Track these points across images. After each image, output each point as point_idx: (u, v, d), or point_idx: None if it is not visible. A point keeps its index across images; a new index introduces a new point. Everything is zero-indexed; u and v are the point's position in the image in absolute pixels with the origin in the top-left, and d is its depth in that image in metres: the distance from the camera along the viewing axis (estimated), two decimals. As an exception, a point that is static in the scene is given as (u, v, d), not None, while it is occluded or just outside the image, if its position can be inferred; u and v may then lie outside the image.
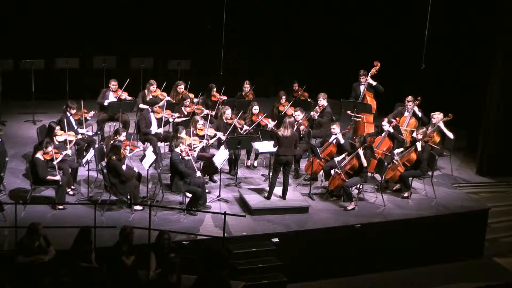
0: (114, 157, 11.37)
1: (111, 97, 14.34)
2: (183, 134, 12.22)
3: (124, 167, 11.60)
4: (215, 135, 13.05)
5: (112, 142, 11.93)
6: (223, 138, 12.98)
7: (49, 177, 11.28)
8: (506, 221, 13.60)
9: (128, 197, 11.59)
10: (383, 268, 11.88)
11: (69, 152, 12.07)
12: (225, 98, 14.86)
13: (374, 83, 14.61)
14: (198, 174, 11.64)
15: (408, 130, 13.78)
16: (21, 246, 9.41)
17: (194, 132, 12.73)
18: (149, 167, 11.86)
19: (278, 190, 12.06)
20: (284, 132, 11.76)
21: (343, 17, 18.37)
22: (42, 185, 11.49)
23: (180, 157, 11.54)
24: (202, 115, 13.97)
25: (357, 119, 14.62)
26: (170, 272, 9.01)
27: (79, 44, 16.78)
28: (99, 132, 14.07)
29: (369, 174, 12.46)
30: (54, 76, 16.34)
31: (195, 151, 12.28)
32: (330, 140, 12.95)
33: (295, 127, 13.28)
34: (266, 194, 12.06)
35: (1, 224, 10.66)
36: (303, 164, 13.40)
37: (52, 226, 10.31)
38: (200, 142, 12.60)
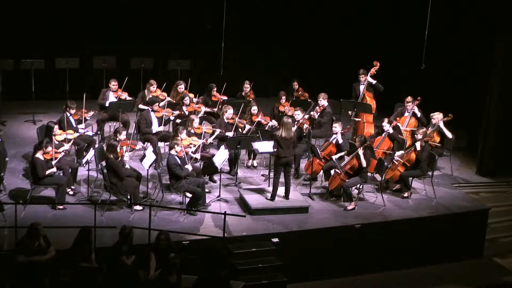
0: (111, 156, 11.38)
1: (111, 97, 14.35)
2: (183, 135, 12.24)
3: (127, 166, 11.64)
4: (213, 132, 13.07)
5: (108, 141, 11.94)
6: (230, 134, 13.01)
7: (47, 172, 11.29)
8: (506, 221, 13.60)
9: (128, 197, 11.59)
10: (383, 268, 11.89)
11: (67, 147, 12.08)
12: (225, 98, 14.87)
13: (373, 81, 14.61)
14: (189, 168, 11.60)
15: (408, 130, 13.78)
16: (21, 246, 9.42)
17: (192, 131, 12.76)
18: (149, 167, 11.87)
19: (279, 190, 12.06)
20: (283, 133, 11.74)
21: (343, 17, 18.37)
22: (42, 185, 11.49)
23: (177, 158, 11.52)
24: (201, 114, 14.02)
25: (357, 119, 14.64)
26: (170, 272, 9.01)
27: (79, 44, 16.78)
28: (99, 132, 14.08)
29: (369, 174, 12.46)
30: (54, 76, 16.34)
31: (193, 146, 12.26)
32: (330, 140, 12.97)
33: (296, 126, 13.33)
34: (266, 195, 12.06)
35: (1, 224, 10.66)
36: (303, 164, 13.40)
37: (52, 226, 10.31)
38: (199, 140, 12.62)
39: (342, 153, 12.53)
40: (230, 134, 13.14)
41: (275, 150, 11.84)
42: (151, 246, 9.91)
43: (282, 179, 12.01)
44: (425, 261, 12.18)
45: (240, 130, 13.44)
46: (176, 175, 11.44)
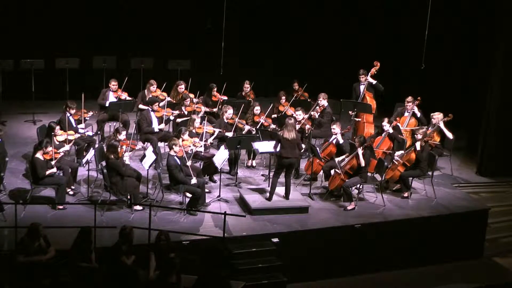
0: (112, 156, 11.38)
1: (111, 97, 14.35)
2: (186, 136, 12.24)
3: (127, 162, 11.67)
4: (214, 132, 13.08)
5: (109, 141, 11.95)
6: (230, 134, 13.01)
7: (47, 172, 11.29)
8: (506, 221, 13.60)
9: (128, 197, 11.59)
10: (383, 268, 11.88)
11: (67, 147, 12.08)
12: (225, 98, 14.87)
13: (374, 82, 14.62)
14: (194, 181, 11.52)
15: (408, 130, 13.79)
16: (21, 246, 9.42)
17: (193, 131, 12.76)
18: (149, 167, 11.87)
19: (279, 190, 12.06)
20: (286, 134, 11.73)
21: (344, 17, 18.37)
22: (42, 185, 11.48)
23: (177, 158, 11.51)
24: (201, 114, 14.01)
25: (357, 119, 14.64)
26: (170, 272, 9.01)
27: (79, 44, 16.78)
28: (99, 132, 14.08)
29: (369, 174, 12.46)
30: (54, 76, 16.34)
31: (196, 146, 12.27)
32: (330, 140, 12.97)
33: (298, 127, 13.34)
34: (266, 195, 12.05)
35: (1, 224, 10.66)
36: (303, 164, 13.40)
37: (52, 226, 10.32)
38: (201, 142, 12.63)
39: (344, 156, 12.51)
40: (229, 134, 13.14)
41: (277, 150, 11.84)
42: (151, 246, 9.91)
43: (282, 179, 12.01)
44: (425, 261, 12.17)
45: (240, 130, 13.44)
46: (175, 179, 11.43)
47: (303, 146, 12.63)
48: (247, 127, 13.46)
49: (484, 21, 15.27)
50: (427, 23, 13.94)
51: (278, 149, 11.85)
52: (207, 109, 14.62)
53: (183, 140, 12.03)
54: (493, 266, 12.58)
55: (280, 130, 12.25)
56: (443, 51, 16.20)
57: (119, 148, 11.58)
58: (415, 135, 12.69)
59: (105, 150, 11.93)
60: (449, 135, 13.58)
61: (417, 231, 12.11)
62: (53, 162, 11.51)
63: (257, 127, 13.51)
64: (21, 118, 15.84)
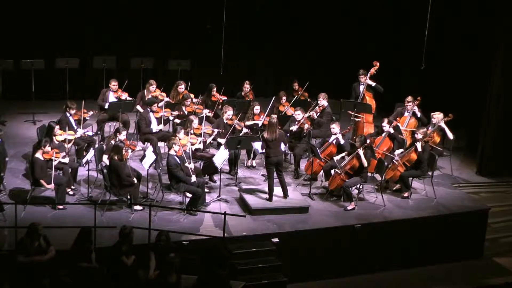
0: (116, 157, 11.36)
1: (111, 97, 14.35)
2: (181, 134, 12.23)
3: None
4: (213, 132, 13.07)
5: (113, 142, 11.92)
6: (222, 141, 12.95)
7: (42, 181, 11.24)
8: (506, 221, 13.59)
9: (128, 197, 11.59)
10: (383, 268, 11.88)
11: (66, 160, 11.92)
12: (225, 98, 14.87)
13: (373, 84, 14.62)
14: (193, 179, 11.51)
15: (408, 130, 13.79)
16: (21, 246, 9.41)
17: (191, 132, 12.75)
18: (149, 167, 11.87)
19: (277, 190, 12.05)
20: (267, 135, 11.72)
21: (343, 17, 18.37)
22: (42, 186, 11.47)
23: (177, 158, 11.51)
24: (202, 115, 13.98)
25: (357, 119, 14.63)
26: (169, 272, 9.01)
27: (79, 44, 16.78)
28: (99, 132, 14.08)
29: (369, 174, 12.46)
30: (54, 76, 16.34)
31: (193, 144, 12.26)
32: (330, 140, 12.97)
33: (296, 127, 13.34)
34: (266, 195, 12.03)
35: (1, 224, 10.66)
36: (303, 164, 13.39)
37: (52, 226, 10.32)
38: (198, 138, 12.61)
39: (343, 154, 12.52)
40: (222, 140, 13.07)
41: (264, 150, 11.86)
42: (151, 246, 9.91)
43: (277, 179, 12.00)
44: (425, 261, 12.17)
45: (237, 131, 13.41)
46: (176, 177, 11.43)
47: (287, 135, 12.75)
48: (245, 130, 13.43)
49: (484, 21, 15.26)
50: (427, 23, 13.94)
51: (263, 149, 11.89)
52: (208, 113, 14.50)
53: (178, 139, 12.00)
54: (493, 266, 12.58)
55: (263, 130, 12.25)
56: (443, 50, 16.20)
57: (123, 151, 11.54)
58: (415, 135, 12.69)
59: (105, 150, 11.93)
60: (450, 135, 13.58)
61: (417, 231, 12.11)
62: (55, 162, 11.46)
63: (253, 125, 13.49)
64: (21, 118, 15.83)
